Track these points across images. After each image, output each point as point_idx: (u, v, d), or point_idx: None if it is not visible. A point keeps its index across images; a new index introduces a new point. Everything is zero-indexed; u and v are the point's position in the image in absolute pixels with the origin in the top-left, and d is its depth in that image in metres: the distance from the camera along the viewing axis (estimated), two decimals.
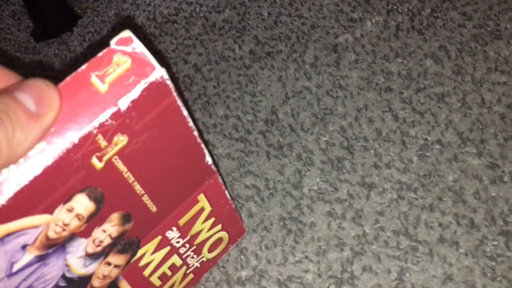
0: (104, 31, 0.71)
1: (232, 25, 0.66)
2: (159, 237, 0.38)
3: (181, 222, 0.39)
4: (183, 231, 0.40)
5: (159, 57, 0.65)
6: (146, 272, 0.40)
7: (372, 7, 0.62)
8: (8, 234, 0.28)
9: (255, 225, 0.49)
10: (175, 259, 0.42)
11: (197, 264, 0.45)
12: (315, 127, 0.54)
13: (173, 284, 0.44)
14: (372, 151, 0.51)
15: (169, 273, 0.42)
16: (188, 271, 0.44)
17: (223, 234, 0.45)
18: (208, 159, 0.37)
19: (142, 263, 0.39)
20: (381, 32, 0.59)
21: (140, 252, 0.38)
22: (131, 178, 0.32)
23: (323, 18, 0.63)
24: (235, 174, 0.53)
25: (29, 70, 0.70)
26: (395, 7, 0.61)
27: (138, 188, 0.33)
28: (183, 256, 0.42)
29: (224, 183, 0.41)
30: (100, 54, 0.28)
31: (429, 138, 0.50)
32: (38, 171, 0.26)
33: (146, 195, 0.34)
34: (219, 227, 0.44)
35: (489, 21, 0.57)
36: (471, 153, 0.48)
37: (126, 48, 0.28)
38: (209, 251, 0.45)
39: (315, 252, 0.46)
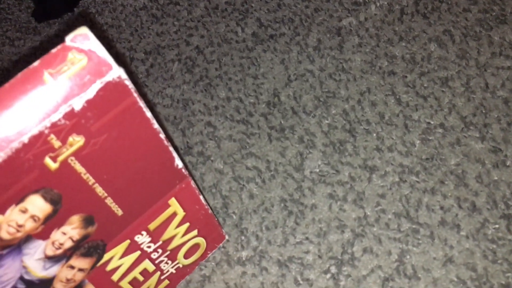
0: (105, 12, 0.70)
1: (235, 7, 0.65)
2: (127, 241, 0.37)
3: (151, 226, 0.38)
4: (154, 235, 0.39)
5: (161, 39, 0.65)
6: (115, 277, 0.39)
7: None
8: None
9: (256, 206, 0.49)
10: (147, 264, 0.40)
11: (173, 270, 0.43)
12: (318, 110, 0.54)
13: None
14: (375, 134, 0.51)
15: (141, 278, 0.41)
16: (162, 277, 0.43)
17: (200, 240, 0.44)
18: (178, 163, 0.35)
19: (109, 267, 0.38)
20: (385, 15, 0.59)
21: (106, 256, 0.37)
22: (91, 180, 0.31)
23: (327, 1, 0.62)
24: (236, 156, 0.52)
25: (30, 50, 0.70)
26: None
27: (99, 190, 0.32)
28: (156, 262, 0.41)
29: (199, 187, 0.40)
30: (54, 50, 0.26)
31: (432, 122, 0.50)
32: None
33: (109, 198, 0.33)
34: (194, 232, 0.42)
35: (494, 5, 0.56)
36: (474, 137, 0.48)
37: (82, 46, 0.27)
38: (185, 257, 0.44)
39: (316, 234, 0.46)
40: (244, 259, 0.46)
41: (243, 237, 0.47)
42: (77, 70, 0.26)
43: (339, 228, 0.46)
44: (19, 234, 0.30)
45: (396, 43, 0.56)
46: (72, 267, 0.35)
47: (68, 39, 0.27)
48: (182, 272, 0.45)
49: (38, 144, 0.26)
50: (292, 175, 0.50)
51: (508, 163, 0.46)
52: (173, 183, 0.37)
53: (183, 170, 0.37)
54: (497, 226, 0.43)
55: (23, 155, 0.26)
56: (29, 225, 0.30)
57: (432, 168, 0.47)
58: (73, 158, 0.29)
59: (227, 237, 0.47)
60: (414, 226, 0.45)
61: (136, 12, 0.69)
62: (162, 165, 0.35)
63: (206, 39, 0.63)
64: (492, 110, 0.49)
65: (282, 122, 0.54)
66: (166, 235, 0.40)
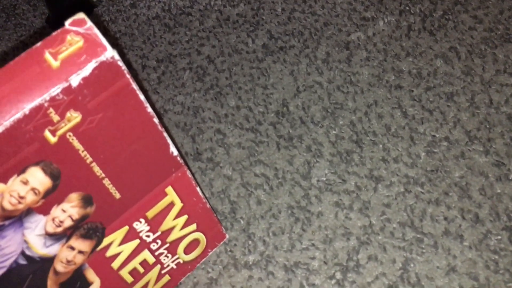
0: (119, 20, 0.72)
1: (246, 19, 0.67)
2: (126, 227, 0.38)
3: (149, 214, 0.39)
4: (153, 225, 0.40)
5: (173, 48, 0.66)
6: (115, 265, 0.40)
7: (385, 7, 0.63)
8: None
9: (264, 212, 0.50)
10: (147, 255, 0.41)
11: (173, 265, 0.44)
12: (325, 121, 0.55)
13: (147, 283, 0.43)
14: (381, 146, 0.52)
15: (141, 270, 0.42)
16: (163, 271, 0.44)
17: (199, 235, 0.44)
18: (173, 150, 0.37)
19: (109, 253, 0.39)
20: (393, 31, 0.61)
21: (106, 241, 0.38)
22: (88, 158, 0.32)
23: (336, 16, 0.64)
24: (245, 163, 0.54)
25: None
26: (407, 7, 0.62)
27: (97, 169, 0.33)
28: (156, 253, 0.42)
29: (195, 179, 0.41)
30: (54, 33, 0.29)
31: (437, 135, 0.51)
32: None
33: (106, 179, 0.34)
34: (193, 226, 0.43)
35: (500, 25, 0.58)
36: (478, 151, 0.50)
37: (79, 29, 0.29)
38: (186, 252, 0.44)
39: (322, 240, 0.47)
40: (251, 263, 0.47)
41: (250, 242, 0.48)
42: (74, 50, 0.29)
43: (345, 236, 0.47)
44: (20, 206, 0.31)
45: (403, 58, 0.58)
46: (72, 248, 0.36)
47: (67, 23, 0.29)
48: (183, 268, 0.46)
49: (38, 116, 0.28)
50: (299, 183, 0.51)
51: (510, 176, 0.47)
52: (169, 171, 0.38)
53: (179, 158, 0.38)
54: (499, 237, 0.44)
55: (24, 125, 0.28)
56: (30, 198, 0.31)
57: (437, 179, 0.49)
58: (71, 133, 0.30)
59: (227, 236, 0.48)
60: (418, 236, 0.46)
61: (149, 21, 0.70)
62: (157, 150, 0.36)
63: (217, 49, 0.65)
64: (496, 125, 0.51)
65: (291, 131, 0.55)
66: (165, 226, 0.41)
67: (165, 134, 0.35)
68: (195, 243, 0.45)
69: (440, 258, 0.44)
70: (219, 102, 0.59)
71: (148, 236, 0.40)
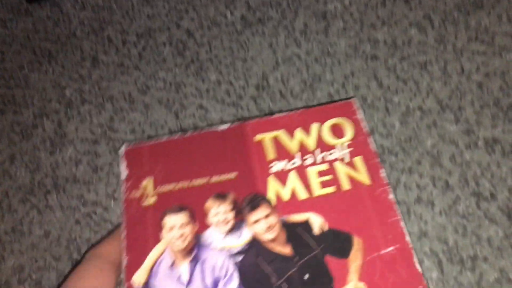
0: None
1: None
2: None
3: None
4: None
5: (152, 22, 0.67)
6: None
7: None
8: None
9: None
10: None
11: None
12: (304, 94, 0.57)
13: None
14: None
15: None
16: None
17: None
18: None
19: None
20: (369, 0, 0.61)
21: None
22: None
23: None
24: None
25: (23, 32, 0.71)
26: None
27: None
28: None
29: None
30: None
31: (411, 105, 0.53)
32: None
33: None
34: None
35: None
36: (449, 120, 0.52)
37: None
38: None
39: None
40: None
41: None
42: None
43: None
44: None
45: (379, 28, 0.59)
46: (257, 221, 0.33)
47: None
48: None
49: None
50: None
51: (479, 144, 0.50)
52: None
53: None
54: (467, 202, 0.48)
55: None
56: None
57: (410, 149, 0.51)
58: None
59: None
60: None
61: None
62: None
63: (196, 22, 0.65)
64: (466, 94, 0.53)
65: (271, 105, 0.57)
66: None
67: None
68: None
69: (413, 224, 0.47)
70: (200, 77, 0.61)
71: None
